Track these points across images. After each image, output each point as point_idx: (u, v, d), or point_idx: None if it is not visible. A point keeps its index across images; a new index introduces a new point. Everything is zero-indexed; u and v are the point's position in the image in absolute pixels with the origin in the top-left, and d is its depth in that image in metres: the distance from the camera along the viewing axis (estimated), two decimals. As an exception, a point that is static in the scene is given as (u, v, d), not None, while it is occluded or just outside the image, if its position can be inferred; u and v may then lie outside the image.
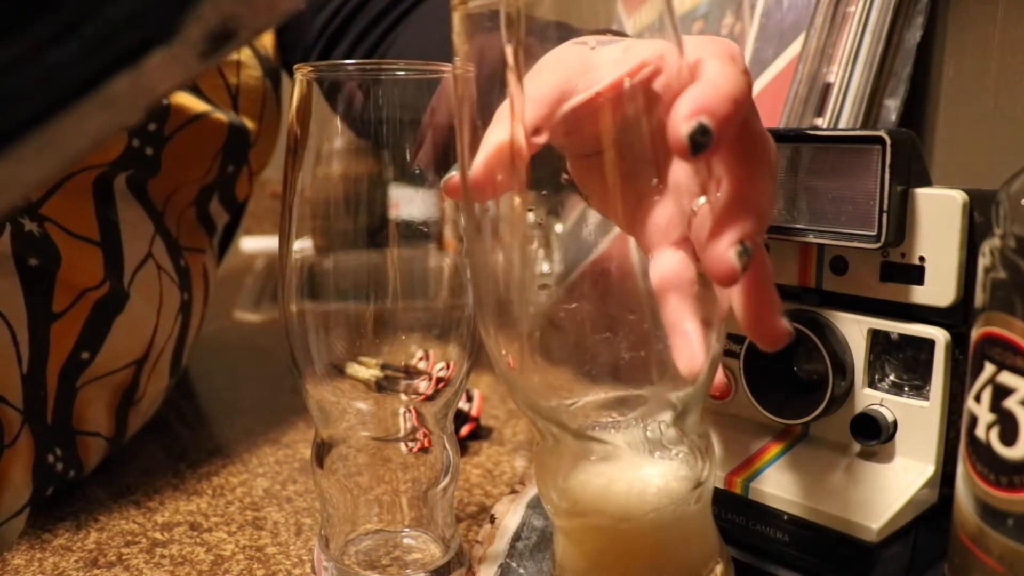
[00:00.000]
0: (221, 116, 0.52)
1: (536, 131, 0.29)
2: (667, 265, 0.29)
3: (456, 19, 0.29)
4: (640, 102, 0.27)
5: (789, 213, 0.36)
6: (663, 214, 0.30)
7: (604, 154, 0.27)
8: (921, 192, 0.34)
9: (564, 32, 0.29)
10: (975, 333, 0.29)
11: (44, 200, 0.44)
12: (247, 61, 0.56)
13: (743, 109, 0.27)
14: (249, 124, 0.56)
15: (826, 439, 0.37)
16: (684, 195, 0.29)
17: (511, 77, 0.27)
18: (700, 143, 0.25)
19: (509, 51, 0.26)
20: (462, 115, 0.29)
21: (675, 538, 0.31)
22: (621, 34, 0.29)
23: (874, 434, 0.35)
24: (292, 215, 0.36)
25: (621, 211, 0.30)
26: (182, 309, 0.55)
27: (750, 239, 0.27)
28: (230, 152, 0.55)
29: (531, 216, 0.31)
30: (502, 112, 0.29)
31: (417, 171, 0.35)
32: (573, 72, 0.28)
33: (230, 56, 0.55)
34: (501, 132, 0.28)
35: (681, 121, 0.26)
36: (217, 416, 0.65)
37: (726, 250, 0.27)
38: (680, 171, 0.29)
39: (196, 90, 0.52)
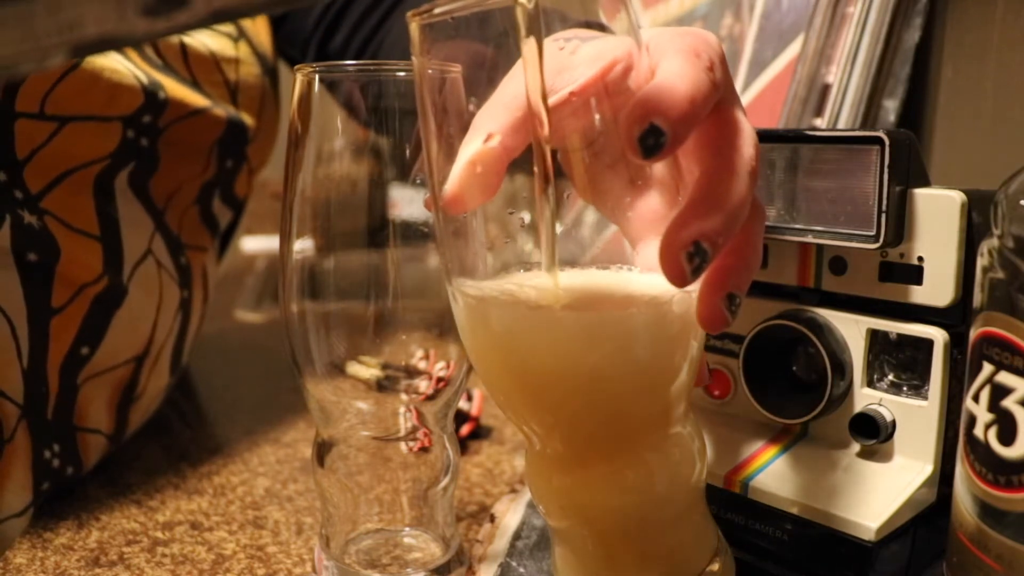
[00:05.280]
0: (219, 112, 0.53)
1: (514, 134, 0.28)
2: (653, 258, 0.29)
3: (415, 30, 0.28)
4: (614, 99, 0.27)
5: (788, 213, 0.36)
6: (648, 206, 0.30)
7: (584, 151, 0.28)
8: (920, 192, 0.34)
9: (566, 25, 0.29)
10: (974, 333, 0.30)
11: (44, 194, 0.44)
12: (245, 58, 0.56)
13: (702, 107, 0.26)
14: (248, 120, 0.56)
15: (825, 438, 0.37)
16: (669, 187, 0.29)
17: (528, 67, 0.26)
18: (652, 146, 0.25)
19: (530, 46, 0.26)
20: (427, 127, 0.29)
21: (674, 519, 0.31)
22: (603, 28, 0.29)
23: (873, 433, 0.35)
24: (293, 215, 0.36)
25: (607, 204, 0.30)
26: (182, 306, 0.55)
27: (709, 239, 0.26)
28: (228, 146, 0.55)
29: (525, 217, 0.31)
30: (477, 122, 0.29)
31: (418, 180, 0.35)
32: (548, 72, 0.28)
33: (228, 54, 0.55)
34: (476, 144, 0.28)
35: (632, 124, 0.25)
36: (218, 416, 0.65)
37: (678, 251, 0.26)
38: (664, 164, 0.29)
39: (196, 85, 0.52)
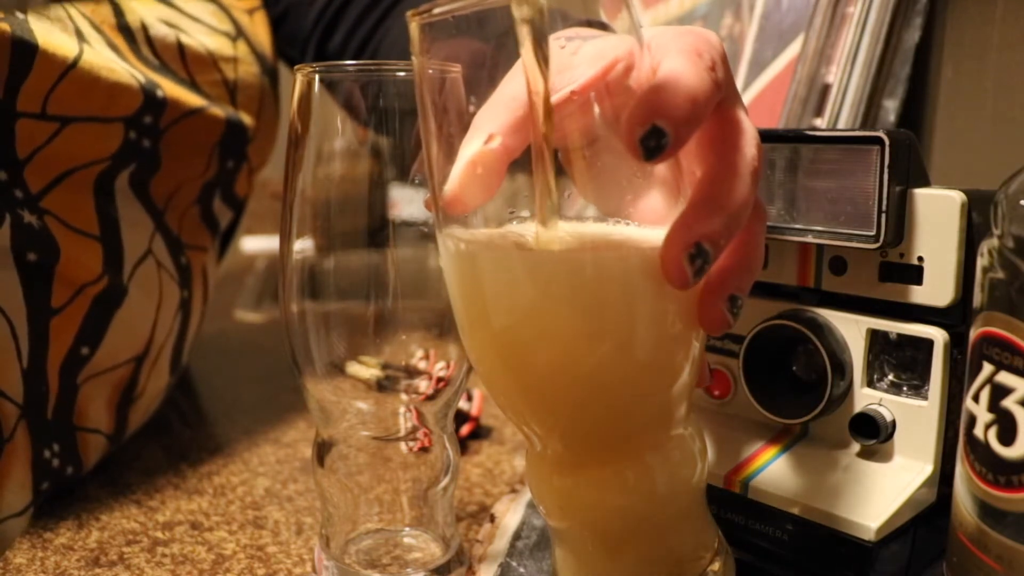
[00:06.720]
0: (218, 111, 0.53)
1: (514, 134, 0.28)
2: None
3: (414, 29, 0.28)
4: (615, 98, 0.27)
5: (788, 213, 0.36)
6: (649, 206, 0.30)
7: (585, 150, 0.27)
8: (920, 192, 0.34)
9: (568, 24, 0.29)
10: (973, 333, 0.30)
11: (44, 193, 0.44)
12: (244, 58, 0.56)
13: (705, 108, 0.26)
14: (247, 120, 0.56)
15: (825, 438, 0.37)
16: (670, 186, 0.29)
17: (532, 72, 0.26)
18: (654, 147, 0.25)
19: (528, 48, 0.26)
20: (427, 127, 0.29)
21: (675, 519, 0.31)
22: (605, 27, 0.29)
23: (873, 433, 0.35)
24: (293, 215, 0.36)
25: (608, 203, 0.30)
26: (182, 306, 0.55)
27: (711, 240, 0.26)
28: (228, 147, 0.55)
29: (526, 217, 0.31)
30: (477, 122, 0.29)
31: (418, 180, 0.35)
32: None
33: (227, 54, 0.55)
34: (476, 144, 0.28)
35: (634, 125, 0.25)
36: (218, 416, 0.65)
37: (680, 253, 0.26)
38: (665, 163, 0.29)
39: (194, 85, 0.52)
